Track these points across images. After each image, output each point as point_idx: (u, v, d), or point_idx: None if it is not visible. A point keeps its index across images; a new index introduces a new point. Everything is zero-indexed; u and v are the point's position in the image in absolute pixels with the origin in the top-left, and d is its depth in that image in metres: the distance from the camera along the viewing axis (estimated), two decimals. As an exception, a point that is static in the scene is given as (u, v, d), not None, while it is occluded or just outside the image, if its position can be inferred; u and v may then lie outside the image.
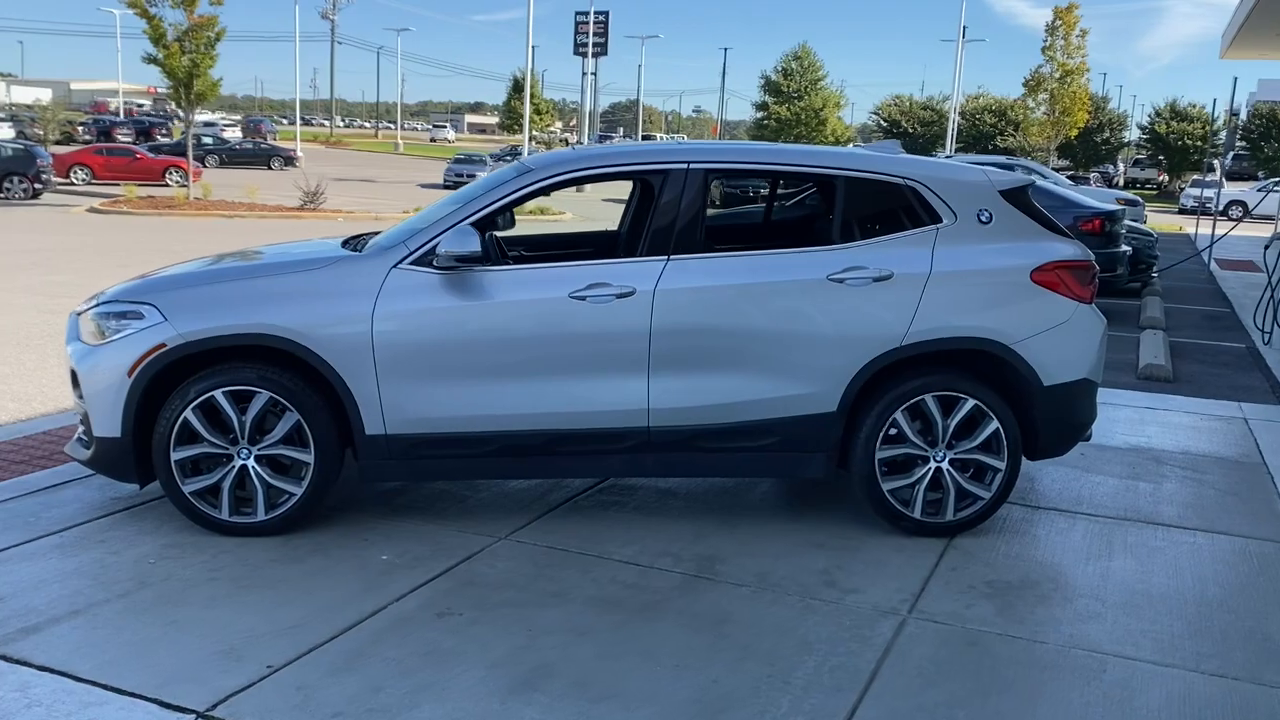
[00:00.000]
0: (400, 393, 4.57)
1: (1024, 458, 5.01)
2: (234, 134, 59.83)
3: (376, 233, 5.41)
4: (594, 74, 47.58)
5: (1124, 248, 13.22)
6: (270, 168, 44.82)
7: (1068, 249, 4.94)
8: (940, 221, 4.82)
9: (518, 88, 54.88)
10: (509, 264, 4.84)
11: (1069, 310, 4.84)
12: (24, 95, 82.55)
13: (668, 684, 3.49)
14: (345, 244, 5.16)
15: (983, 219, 4.85)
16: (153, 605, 3.95)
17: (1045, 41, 44.87)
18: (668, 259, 4.67)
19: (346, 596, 4.06)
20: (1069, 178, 34.43)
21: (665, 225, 4.71)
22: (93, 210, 25.48)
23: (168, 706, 3.26)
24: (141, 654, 3.58)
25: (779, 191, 6.90)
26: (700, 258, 4.70)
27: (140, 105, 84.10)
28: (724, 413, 4.69)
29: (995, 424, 4.78)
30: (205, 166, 41.91)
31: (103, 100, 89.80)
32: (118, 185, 28.75)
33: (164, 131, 54.18)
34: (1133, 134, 67.33)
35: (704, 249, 4.73)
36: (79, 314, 4.89)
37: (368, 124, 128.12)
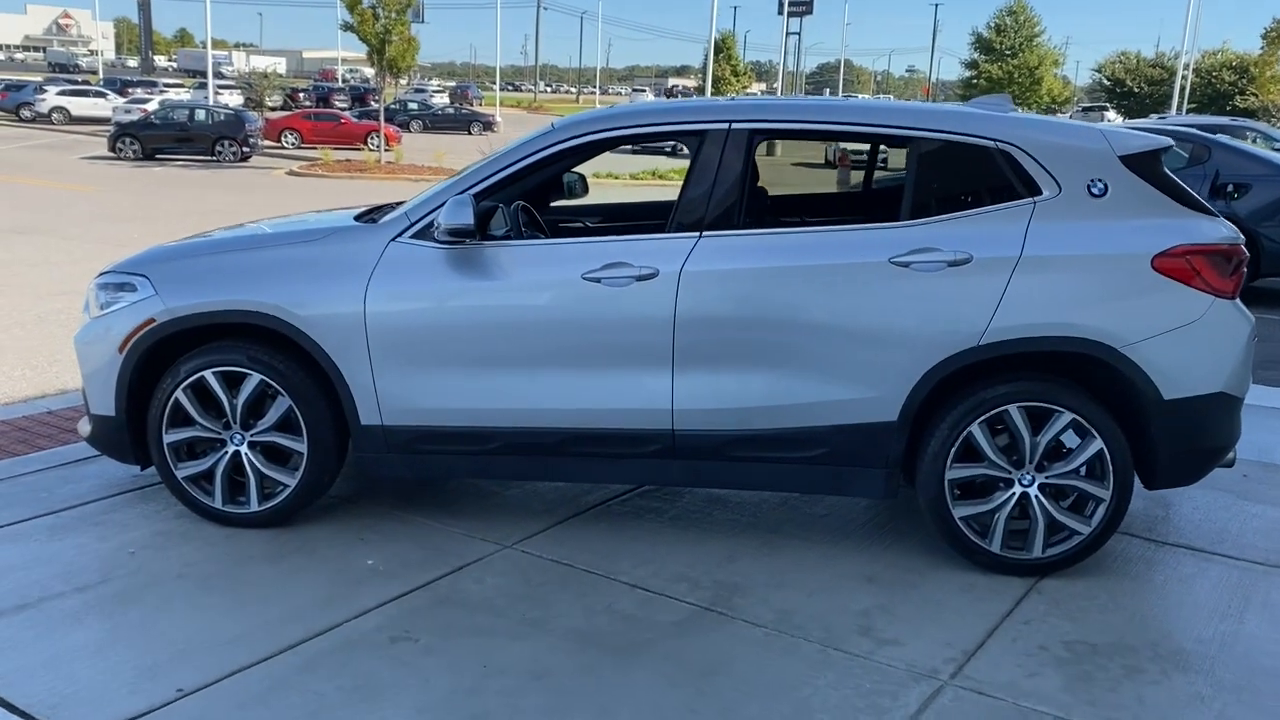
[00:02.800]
0: (397, 381, 4.11)
1: (1141, 486, 4.08)
2: (441, 99, 61.63)
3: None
4: (798, 34, 46.12)
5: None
6: (470, 132, 45.83)
7: (1207, 229, 3.95)
8: (1039, 194, 3.93)
9: (717, 50, 54.02)
10: (523, 238, 4.29)
11: (1202, 306, 3.87)
12: (261, 64, 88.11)
13: (612, 754, 2.89)
14: (376, 210, 4.73)
15: (1095, 191, 3.93)
16: (105, 604, 3.66)
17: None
18: (699, 236, 4.00)
19: (304, 608, 3.65)
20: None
21: (699, 196, 4.04)
22: (291, 173, 26.70)
23: (45, 732, 2.92)
24: (57, 664, 3.27)
25: (880, 157, 6.04)
26: (738, 235, 4.01)
27: (355, 72, 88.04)
28: (761, 417, 4.00)
29: (1099, 444, 3.89)
30: (409, 131, 43.47)
31: (330, 69, 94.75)
32: (329, 149, 29.88)
33: (376, 98, 56.26)
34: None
35: (745, 225, 4.03)
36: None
37: (572, 89, 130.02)
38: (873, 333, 3.90)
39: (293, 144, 34.66)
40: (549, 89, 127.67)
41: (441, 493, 4.76)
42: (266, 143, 32.99)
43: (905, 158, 4.06)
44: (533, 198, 5.14)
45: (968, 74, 54.52)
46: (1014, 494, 3.98)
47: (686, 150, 4.19)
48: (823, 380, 3.95)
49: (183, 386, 4.21)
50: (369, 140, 34.43)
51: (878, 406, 3.95)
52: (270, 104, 45.38)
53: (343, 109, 45.12)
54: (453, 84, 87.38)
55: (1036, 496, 3.97)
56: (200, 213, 16.63)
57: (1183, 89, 49.34)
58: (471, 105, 61.33)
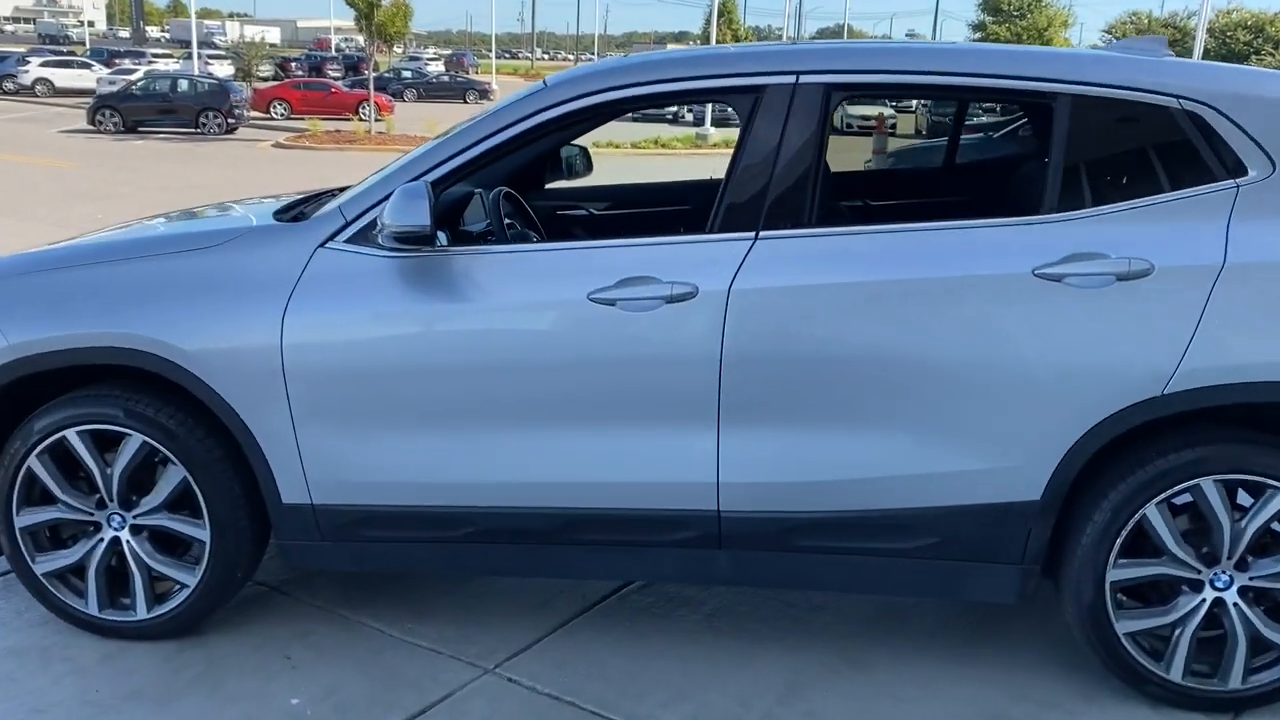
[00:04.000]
0: (329, 443, 2.93)
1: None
2: (436, 67, 60.09)
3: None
4: (799, -3, 44.53)
5: None
6: (465, 101, 44.41)
7: None
8: (1244, 173, 2.73)
9: (719, 14, 52.35)
10: (506, 239, 3.10)
11: None
12: (252, 34, 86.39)
13: None
14: (308, 201, 3.53)
15: (1327, 170, 2.71)
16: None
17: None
18: (755, 237, 2.79)
19: (187, 795, 2.48)
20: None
21: (754, 179, 2.83)
22: (277, 145, 25.46)
23: None
24: None
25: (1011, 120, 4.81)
26: (811, 235, 2.81)
27: (350, 41, 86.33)
28: (843, 495, 2.82)
29: (1329, 533, 2.70)
30: (403, 100, 42.07)
31: (325, 38, 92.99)
32: (317, 120, 28.69)
33: (370, 67, 54.77)
34: None
35: (819, 221, 2.83)
36: None
37: (570, 56, 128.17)
38: (1009, 377, 2.71)
39: (282, 115, 33.37)
40: (546, 56, 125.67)
41: (400, 579, 3.58)
42: (254, 114, 31.73)
43: (1052, 122, 2.83)
44: (520, 181, 3.94)
45: (974, 36, 52.89)
46: (1204, 600, 2.79)
47: (734, 114, 2.97)
48: (934, 444, 2.77)
49: (37, 451, 3.03)
50: (360, 110, 33.15)
51: (1013, 481, 2.77)
52: (261, 74, 44.02)
53: (335, 79, 43.75)
54: (448, 52, 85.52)
55: (1236, 604, 2.78)
56: (177, 188, 15.48)
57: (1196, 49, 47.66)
58: (467, 73, 59.75)
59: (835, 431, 2.79)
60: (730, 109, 3.04)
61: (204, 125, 27.64)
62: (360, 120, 30.03)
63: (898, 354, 2.74)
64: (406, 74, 48.25)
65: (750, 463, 2.83)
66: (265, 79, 43.58)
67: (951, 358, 2.72)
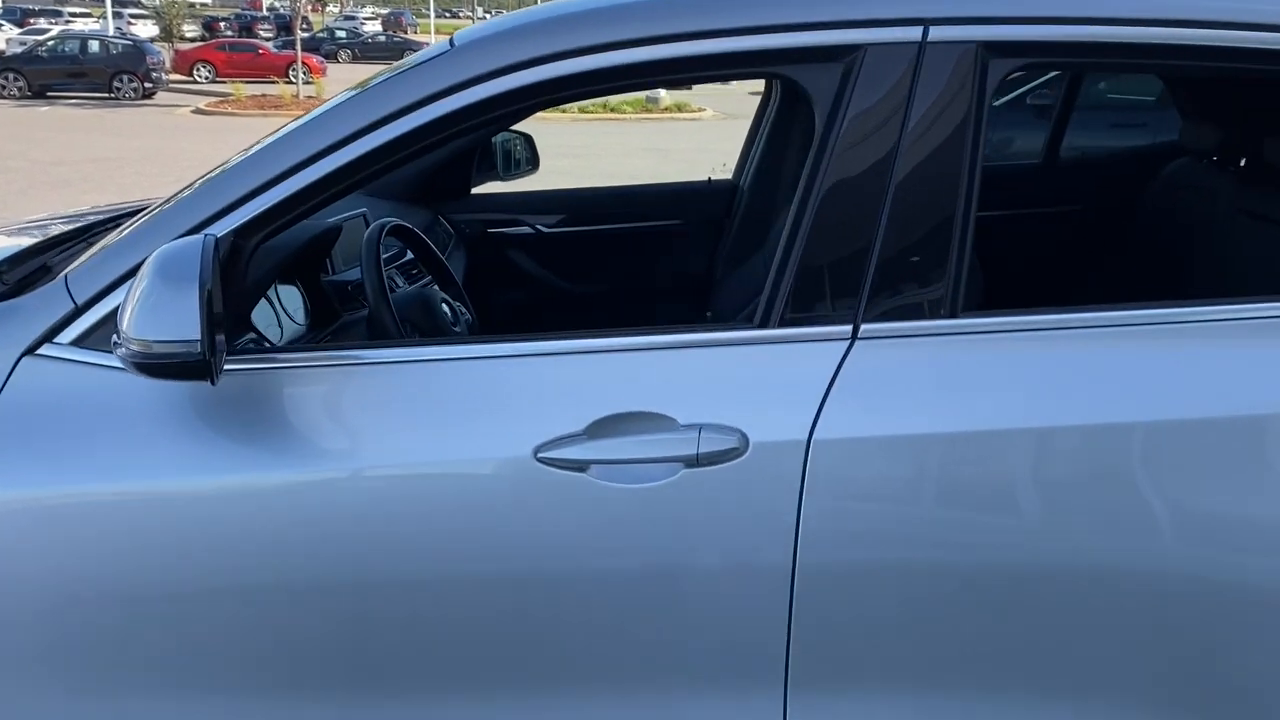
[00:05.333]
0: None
1: None
2: (373, 27, 57.70)
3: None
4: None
5: None
6: (404, 62, 42.45)
7: None
8: None
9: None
10: (380, 328, 1.74)
11: None
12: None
13: None
14: (81, 238, 2.14)
15: None
16: None
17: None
18: (853, 333, 1.46)
19: None
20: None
21: (845, 226, 1.48)
22: (197, 111, 23.83)
23: None
24: None
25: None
26: (963, 331, 1.47)
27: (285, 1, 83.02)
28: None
29: None
30: (337, 61, 40.14)
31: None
32: (242, 83, 26.88)
33: (304, 26, 52.56)
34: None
35: (971, 301, 1.48)
36: None
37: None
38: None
39: (206, 78, 31.44)
40: (488, 15, 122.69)
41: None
42: (176, 77, 29.93)
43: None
44: (431, 187, 2.60)
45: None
46: None
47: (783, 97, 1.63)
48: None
49: None
50: (289, 71, 31.33)
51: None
52: (185, 34, 41.74)
53: (266, 39, 41.63)
54: (386, 11, 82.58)
55: None
56: (75, 161, 13.91)
57: None
58: (405, 33, 57.42)
59: (1008, 704, 1.47)
60: (778, 87, 1.69)
61: (118, 90, 25.81)
62: (289, 83, 28.17)
63: (1143, 562, 1.43)
64: (341, 34, 46.12)
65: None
66: (190, 39, 41.42)
67: (1232, 569, 1.42)
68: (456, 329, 2.09)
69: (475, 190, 3.26)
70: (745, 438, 1.50)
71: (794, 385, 1.52)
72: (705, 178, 3.28)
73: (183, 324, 1.38)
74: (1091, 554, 1.51)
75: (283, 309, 2.09)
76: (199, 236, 1.47)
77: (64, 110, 22.92)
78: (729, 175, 3.32)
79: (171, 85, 28.37)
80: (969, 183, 1.54)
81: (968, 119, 1.54)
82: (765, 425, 1.50)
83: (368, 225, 2.59)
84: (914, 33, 1.55)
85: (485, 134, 2.92)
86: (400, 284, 2.50)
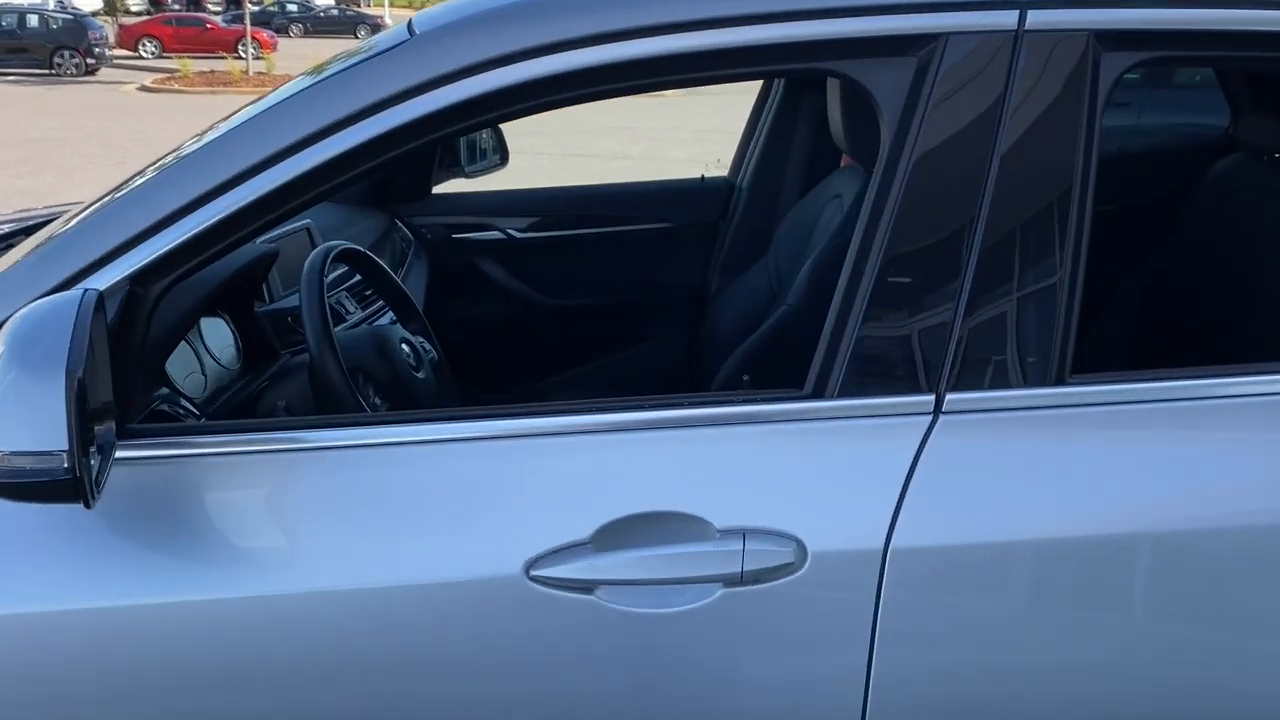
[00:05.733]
0: None
1: None
2: (327, 0, 56.45)
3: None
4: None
5: None
6: (356, 35, 41.46)
7: None
8: None
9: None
10: (329, 408, 1.38)
11: None
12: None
13: None
14: None
15: None
16: None
17: None
18: (935, 407, 1.11)
19: None
20: None
21: (923, 263, 1.13)
22: (143, 89, 23.11)
23: None
24: None
25: None
26: (1074, 399, 1.14)
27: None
28: None
29: None
30: (288, 35, 39.25)
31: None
32: (188, 59, 26.12)
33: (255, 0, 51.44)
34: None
35: (1076, 361, 1.14)
36: None
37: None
38: None
39: (152, 54, 30.58)
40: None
41: None
42: (121, 52, 29.10)
43: None
44: (386, 187, 2.25)
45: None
46: None
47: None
48: None
49: None
50: (237, 47, 30.50)
51: None
52: (131, 8, 40.67)
53: (215, 13, 40.60)
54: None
55: None
56: (11, 142, 13.41)
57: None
58: (359, 6, 56.23)
59: None
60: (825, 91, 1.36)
61: (59, 66, 25.00)
62: (239, 59, 27.36)
63: None
64: (292, 7, 44.92)
65: None
66: (136, 14, 40.34)
67: None
68: (420, 374, 1.74)
69: (437, 190, 2.89)
70: (802, 548, 1.15)
71: (863, 475, 1.17)
72: (699, 175, 2.92)
73: (41, 429, 1.01)
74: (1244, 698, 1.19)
75: (206, 351, 1.72)
76: (74, 293, 1.10)
77: (3, 87, 22.13)
78: (724, 172, 2.97)
79: (116, 61, 27.51)
80: (1079, 213, 1.20)
81: (1077, 128, 1.20)
82: (828, 530, 1.15)
83: (312, 240, 2.21)
84: (1008, 18, 1.21)
85: (436, 144, 2.56)
86: (352, 310, 2.14)
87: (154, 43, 31.16)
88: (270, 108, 1.35)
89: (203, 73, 24.41)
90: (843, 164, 2.55)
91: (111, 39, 28.32)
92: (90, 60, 25.21)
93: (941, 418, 1.19)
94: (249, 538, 1.21)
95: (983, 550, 1.16)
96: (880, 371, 1.20)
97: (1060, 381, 1.20)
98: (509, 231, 2.81)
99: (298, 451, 1.23)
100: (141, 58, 30.09)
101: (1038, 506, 1.16)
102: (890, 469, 1.17)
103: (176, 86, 22.89)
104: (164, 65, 27.38)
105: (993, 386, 1.20)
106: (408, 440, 1.24)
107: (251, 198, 1.23)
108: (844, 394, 1.20)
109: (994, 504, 1.17)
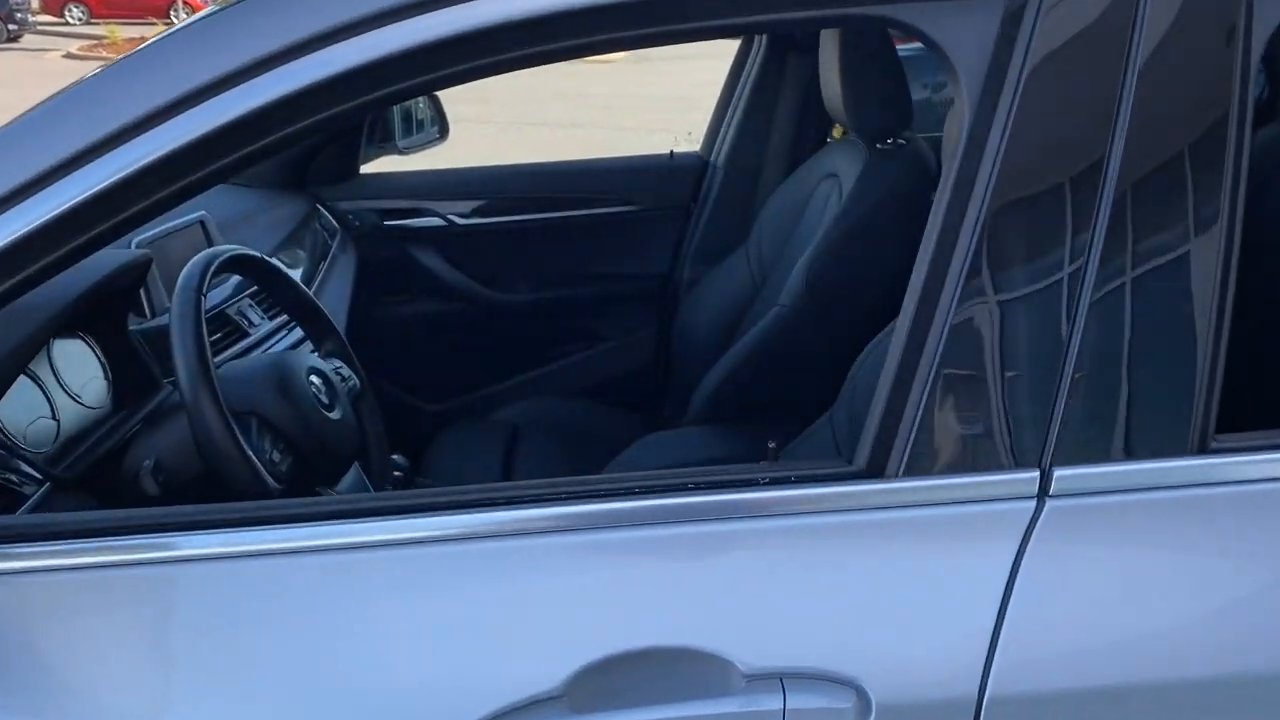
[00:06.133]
0: None
1: None
2: (263, -37, 55.09)
3: None
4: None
5: None
6: None
7: None
8: None
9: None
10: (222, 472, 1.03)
11: None
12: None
13: None
14: None
15: None
16: None
17: None
18: (1040, 488, 0.76)
19: None
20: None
21: (1019, 294, 0.79)
22: (69, 56, 22.56)
23: None
24: None
25: None
26: (1223, 475, 0.78)
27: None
28: None
29: None
30: None
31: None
32: (120, 24, 25.32)
33: (187, -38, 49.97)
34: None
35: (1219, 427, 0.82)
36: None
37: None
38: None
39: (79, 19, 29.60)
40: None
41: None
42: (46, 18, 28.06)
43: None
44: (296, 173, 1.92)
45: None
46: None
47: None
48: None
49: None
50: (172, 13, 29.53)
51: None
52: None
53: (144, -25, 39.28)
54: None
55: None
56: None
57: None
58: (298, -30, 54.98)
59: None
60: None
61: (-22, 33, 24.08)
62: (170, 24, 26.53)
63: None
64: (227, -30, 43.81)
65: None
66: (62, -23, 39.00)
67: None
68: (334, 413, 1.38)
69: (365, 169, 2.51)
70: (865, 698, 0.82)
71: (945, 590, 0.84)
72: (667, 151, 2.57)
73: None
74: None
75: (60, 386, 1.35)
76: None
77: (-83, 56, 21.34)
78: (696, 147, 2.63)
79: (40, 28, 26.65)
80: (1230, 219, 0.87)
81: (1228, 94, 0.88)
82: (899, 672, 0.82)
83: (207, 236, 1.83)
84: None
85: (364, 119, 2.18)
86: (256, 321, 1.76)
87: (80, 8, 30.20)
88: (126, 62, 0.99)
89: (132, 39, 23.64)
90: (836, 136, 2.24)
91: (35, 4, 27.42)
92: (12, 26, 24.69)
93: (1048, 503, 0.86)
94: (84, 693, 0.85)
95: (1117, 696, 0.83)
96: (962, 439, 0.86)
97: (1204, 450, 0.87)
98: (449, 217, 2.44)
99: (153, 565, 0.87)
100: (67, 23, 29.23)
101: (1192, 629, 0.84)
102: (982, 579, 0.83)
103: (105, 54, 22.24)
104: (91, 31, 26.61)
105: (1116, 459, 0.87)
106: (316, 545, 0.88)
107: (97, 188, 0.87)
108: (911, 472, 0.86)
109: (1126, 624, 0.84)
